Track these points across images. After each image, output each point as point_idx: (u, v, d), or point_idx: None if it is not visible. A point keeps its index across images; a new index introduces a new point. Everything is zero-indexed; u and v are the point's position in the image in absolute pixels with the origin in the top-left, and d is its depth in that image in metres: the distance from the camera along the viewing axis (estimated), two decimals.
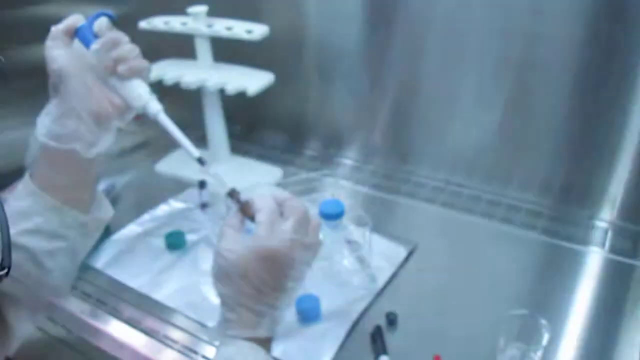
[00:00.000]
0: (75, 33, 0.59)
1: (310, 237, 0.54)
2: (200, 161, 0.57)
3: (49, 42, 0.58)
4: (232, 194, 0.56)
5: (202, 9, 1.03)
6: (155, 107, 0.58)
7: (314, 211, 0.57)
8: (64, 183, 0.59)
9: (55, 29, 0.59)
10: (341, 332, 0.76)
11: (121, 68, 0.57)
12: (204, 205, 1.04)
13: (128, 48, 0.58)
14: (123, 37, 0.58)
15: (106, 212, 0.66)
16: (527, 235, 0.96)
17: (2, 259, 0.38)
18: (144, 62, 0.59)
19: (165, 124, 0.58)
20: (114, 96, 0.59)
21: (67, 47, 0.59)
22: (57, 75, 0.57)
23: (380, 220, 0.90)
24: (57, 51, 0.58)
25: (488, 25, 0.94)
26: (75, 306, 0.84)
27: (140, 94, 0.58)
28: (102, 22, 0.58)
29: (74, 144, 0.58)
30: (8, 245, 0.39)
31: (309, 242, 0.54)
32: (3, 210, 0.40)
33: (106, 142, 0.60)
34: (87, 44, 0.58)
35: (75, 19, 0.59)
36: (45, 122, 0.58)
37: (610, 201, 0.96)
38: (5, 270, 0.38)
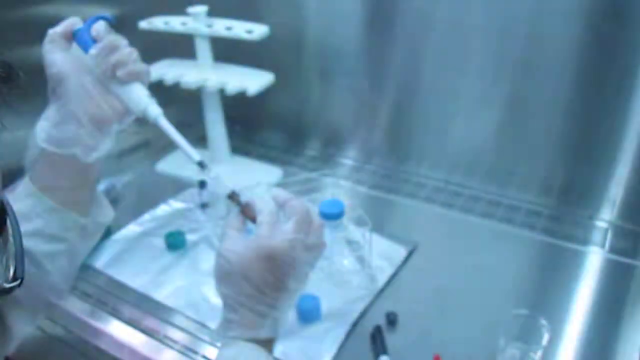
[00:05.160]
0: (73, 37, 0.59)
1: (312, 237, 0.54)
2: (201, 165, 0.57)
3: (47, 46, 0.58)
4: (233, 196, 0.56)
5: (202, 9, 1.03)
6: (155, 111, 0.58)
7: (314, 211, 0.57)
8: (63, 185, 0.59)
9: (53, 32, 0.59)
10: (341, 332, 0.76)
11: (120, 72, 0.57)
12: (204, 205, 1.04)
13: (126, 52, 0.57)
14: (121, 41, 0.58)
15: (106, 214, 0.66)
16: (527, 235, 0.96)
17: (15, 270, 0.38)
18: (142, 66, 0.59)
19: (165, 128, 0.58)
20: (114, 100, 0.58)
21: (66, 51, 0.58)
22: (56, 79, 0.57)
23: (380, 220, 0.90)
24: (56, 55, 0.58)
25: (488, 25, 0.94)
26: (75, 306, 0.84)
27: (140, 97, 0.58)
28: (100, 26, 0.58)
29: (74, 149, 0.58)
30: (21, 256, 0.39)
31: (312, 243, 0.54)
32: (17, 222, 0.40)
33: (106, 146, 0.60)
34: (85, 48, 0.58)
35: (73, 22, 0.59)
36: (44, 127, 0.58)
37: (610, 201, 0.96)
38: (19, 281, 0.38)
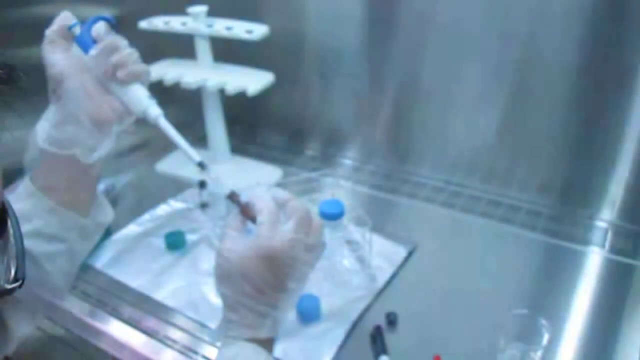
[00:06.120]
0: (72, 35, 0.59)
1: (312, 238, 0.54)
2: (201, 165, 0.57)
3: (47, 47, 0.58)
4: (232, 196, 0.56)
5: (202, 9, 1.03)
6: (155, 111, 0.58)
7: (314, 211, 0.57)
8: (63, 185, 0.59)
9: (50, 32, 0.59)
10: (341, 332, 0.76)
11: (120, 73, 0.57)
12: (204, 205, 1.04)
13: (127, 53, 0.57)
14: (121, 42, 0.58)
15: (106, 215, 0.66)
16: (527, 235, 0.96)
17: (17, 271, 0.38)
18: (143, 67, 0.59)
19: (166, 129, 0.58)
20: (114, 101, 0.58)
21: (66, 52, 0.58)
22: (56, 80, 0.57)
23: (380, 220, 0.90)
24: (56, 56, 0.58)
25: (488, 25, 0.94)
26: (75, 306, 0.84)
27: (140, 98, 0.58)
28: (100, 27, 0.58)
29: (74, 150, 0.58)
30: (22, 257, 0.39)
31: (312, 243, 0.54)
32: (17, 223, 0.40)
33: (106, 147, 0.60)
34: (85, 49, 0.58)
35: (65, 17, 0.59)
36: (45, 128, 0.58)
37: (610, 201, 0.96)
38: (19, 282, 0.38)
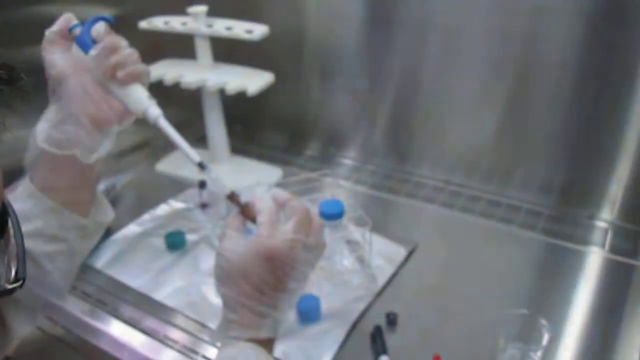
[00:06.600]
0: (72, 36, 0.59)
1: (312, 238, 0.54)
2: (201, 165, 0.56)
3: (47, 47, 0.58)
4: (232, 196, 0.56)
5: (202, 9, 1.03)
6: (154, 112, 0.58)
7: (314, 211, 0.57)
8: (63, 186, 0.59)
9: (50, 32, 0.59)
10: (341, 332, 0.76)
11: (120, 74, 0.57)
12: (204, 205, 1.04)
13: (127, 53, 0.57)
14: (122, 42, 0.58)
15: (106, 215, 0.66)
16: (527, 235, 0.96)
17: (17, 271, 0.38)
18: (143, 67, 0.59)
19: (165, 129, 0.58)
20: (114, 101, 0.58)
21: (66, 52, 0.58)
22: (56, 80, 0.57)
23: (380, 220, 0.90)
24: (56, 56, 0.58)
25: (488, 25, 0.94)
26: (75, 306, 0.84)
27: (140, 98, 0.58)
28: (100, 27, 0.58)
29: (73, 150, 0.58)
30: (23, 257, 0.39)
31: (312, 243, 0.54)
32: (18, 223, 0.40)
33: (106, 147, 0.60)
34: (85, 49, 0.58)
35: (67, 19, 0.59)
36: (44, 128, 0.58)
37: (610, 201, 0.96)
38: (20, 282, 0.38)
